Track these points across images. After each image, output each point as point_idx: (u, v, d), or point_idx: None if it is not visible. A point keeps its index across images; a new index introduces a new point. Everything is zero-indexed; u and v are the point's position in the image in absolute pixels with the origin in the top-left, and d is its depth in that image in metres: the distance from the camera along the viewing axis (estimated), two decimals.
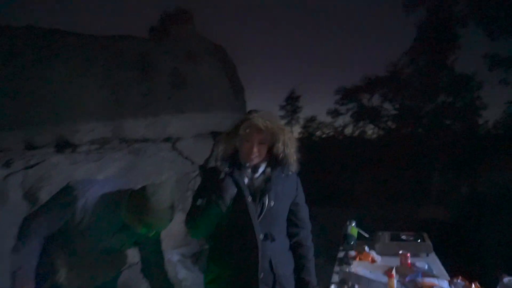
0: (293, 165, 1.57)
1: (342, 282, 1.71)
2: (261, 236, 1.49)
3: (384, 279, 1.63)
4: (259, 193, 1.52)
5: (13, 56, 4.10)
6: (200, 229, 1.53)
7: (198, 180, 4.32)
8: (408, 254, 1.94)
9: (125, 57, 4.72)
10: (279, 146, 1.53)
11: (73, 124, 4.22)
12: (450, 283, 1.67)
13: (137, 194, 1.56)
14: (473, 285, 1.58)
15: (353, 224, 2.43)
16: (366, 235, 2.48)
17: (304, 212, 1.67)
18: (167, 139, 4.53)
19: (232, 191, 1.48)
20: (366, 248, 2.23)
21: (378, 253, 2.20)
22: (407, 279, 1.68)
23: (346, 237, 2.32)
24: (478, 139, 9.42)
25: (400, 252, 1.98)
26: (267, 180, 1.55)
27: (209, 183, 1.55)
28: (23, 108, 4.10)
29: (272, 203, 1.51)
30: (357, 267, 1.84)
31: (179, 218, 2.78)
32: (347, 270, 1.78)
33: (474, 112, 10.43)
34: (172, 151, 4.38)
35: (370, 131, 13.70)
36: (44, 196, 3.45)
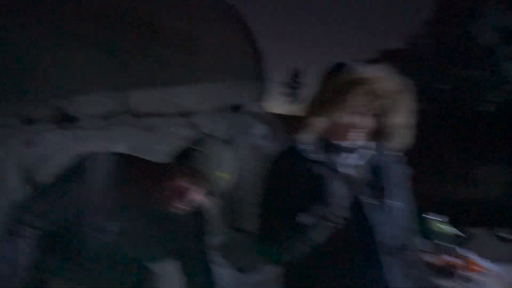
0: (407, 144, 1.09)
1: None
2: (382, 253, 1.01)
3: None
4: (375, 188, 1.04)
5: None
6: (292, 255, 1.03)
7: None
8: None
9: (126, 17, 4.09)
10: (396, 116, 1.05)
11: (72, 95, 3.65)
12: None
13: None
14: None
15: (444, 220, 1.90)
16: (462, 234, 1.96)
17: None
18: (181, 114, 3.97)
19: (343, 194, 0.97)
20: (464, 251, 1.72)
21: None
22: None
23: (440, 238, 1.80)
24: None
25: None
26: (379, 169, 1.07)
27: (294, 182, 1.03)
28: (12, 76, 3.53)
29: (398, 203, 1.05)
30: None
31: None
32: None
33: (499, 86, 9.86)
34: (188, 127, 3.83)
35: None
36: (45, 180, 2.94)
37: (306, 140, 1.06)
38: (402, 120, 1.06)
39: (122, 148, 3.51)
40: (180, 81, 4.05)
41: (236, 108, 4.41)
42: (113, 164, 1.06)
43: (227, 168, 1.05)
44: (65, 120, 3.67)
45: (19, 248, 1.04)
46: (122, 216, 1.07)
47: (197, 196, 1.03)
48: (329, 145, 1.07)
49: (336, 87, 1.02)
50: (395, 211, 1.02)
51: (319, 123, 1.04)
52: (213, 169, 1.00)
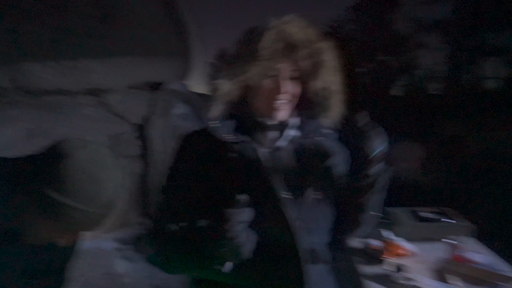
0: (338, 113, 0.88)
1: None
2: (305, 262, 0.81)
3: None
4: (297, 177, 0.83)
5: None
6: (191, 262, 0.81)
7: (136, 143, 3.41)
8: (464, 245, 1.42)
9: None
10: (322, 78, 0.84)
11: None
12: None
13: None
14: None
15: None
16: (380, 214, 1.94)
17: None
18: (90, 91, 3.48)
19: (255, 184, 0.78)
20: (386, 234, 1.68)
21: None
22: None
23: None
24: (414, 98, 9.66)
25: (450, 240, 1.45)
26: (304, 152, 0.85)
27: (200, 167, 0.82)
28: None
29: (319, 195, 0.84)
30: (418, 276, 1.26)
31: None
32: (402, 281, 1.20)
33: (410, 72, 10.68)
34: (98, 107, 3.37)
35: None
36: None
37: (220, 117, 0.84)
38: (331, 82, 0.84)
39: (17, 131, 2.98)
40: (89, 55, 3.53)
41: (156, 86, 4.02)
42: None
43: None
44: None
45: None
46: None
47: None
48: (244, 121, 0.84)
49: (251, 41, 0.80)
50: (323, 206, 0.86)
51: (236, 90, 0.81)
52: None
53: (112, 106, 3.38)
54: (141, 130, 3.39)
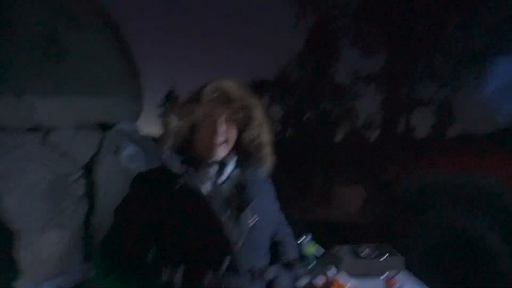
0: (269, 161, 1.11)
1: None
2: (246, 276, 0.96)
3: None
4: (234, 206, 1.01)
5: None
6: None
7: (82, 184, 3.30)
8: (396, 278, 1.58)
9: None
10: (254, 129, 1.06)
11: None
12: None
13: None
14: None
15: (309, 239, 1.98)
16: (322, 251, 2.07)
17: (286, 226, 1.29)
18: (34, 129, 3.36)
19: (200, 213, 0.97)
20: (333, 271, 1.80)
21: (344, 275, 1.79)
22: None
23: (306, 258, 1.85)
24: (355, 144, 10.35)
25: (385, 275, 1.60)
26: (240, 185, 1.05)
27: (155, 198, 0.96)
28: None
29: (255, 220, 1.01)
30: None
31: (53, 237, 2.22)
32: None
33: (351, 119, 11.50)
34: (43, 145, 3.25)
35: None
36: None
37: (169, 153, 1.01)
38: (260, 134, 1.06)
39: None
40: (35, 89, 3.43)
41: (106, 126, 3.98)
42: None
43: None
44: None
45: None
46: None
47: None
48: (190, 158, 1.02)
49: (197, 91, 1.01)
50: (259, 231, 0.99)
51: (184, 128, 1.01)
52: None
53: (58, 145, 3.28)
54: (88, 171, 3.30)
